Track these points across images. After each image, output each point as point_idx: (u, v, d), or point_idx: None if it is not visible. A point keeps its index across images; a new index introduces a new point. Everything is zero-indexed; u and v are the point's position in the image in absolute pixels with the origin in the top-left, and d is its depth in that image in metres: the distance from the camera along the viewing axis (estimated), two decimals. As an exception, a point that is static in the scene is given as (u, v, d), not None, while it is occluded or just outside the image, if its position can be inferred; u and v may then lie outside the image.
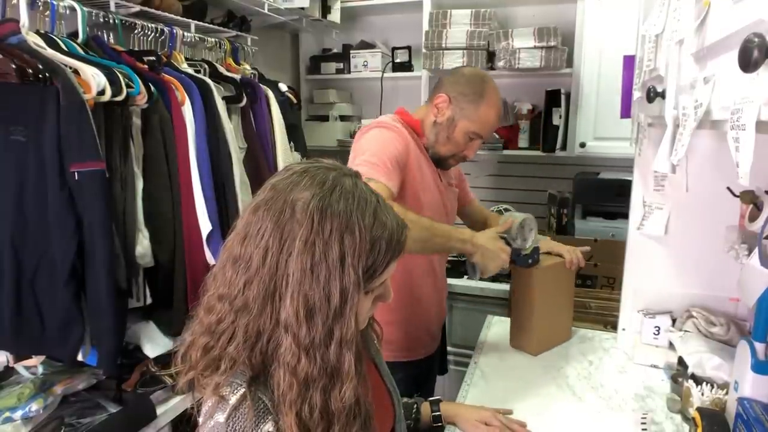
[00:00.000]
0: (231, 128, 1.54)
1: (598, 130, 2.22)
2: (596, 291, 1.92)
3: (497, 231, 1.29)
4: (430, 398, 1.15)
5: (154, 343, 1.35)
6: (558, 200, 2.37)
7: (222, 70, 1.73)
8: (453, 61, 2.29)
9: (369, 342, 0.91)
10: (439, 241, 1.22)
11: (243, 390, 0.65)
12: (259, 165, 1.68)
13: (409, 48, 2.56)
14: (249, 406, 0.64)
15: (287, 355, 0.64)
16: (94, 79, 1.14)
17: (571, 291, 1.51)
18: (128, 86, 1.23)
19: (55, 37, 1.24)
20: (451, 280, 1.91)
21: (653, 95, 0.92)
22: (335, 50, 2.78)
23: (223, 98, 1.58)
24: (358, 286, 0.64)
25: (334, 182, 0.67)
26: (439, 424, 1.12)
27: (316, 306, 0.63)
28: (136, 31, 1.54)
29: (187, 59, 1.67)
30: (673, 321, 1.39)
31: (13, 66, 1.07)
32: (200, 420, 0.69)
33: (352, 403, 0.65)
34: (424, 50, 2.36)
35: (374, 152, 1.22)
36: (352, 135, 2.72)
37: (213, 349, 0.68)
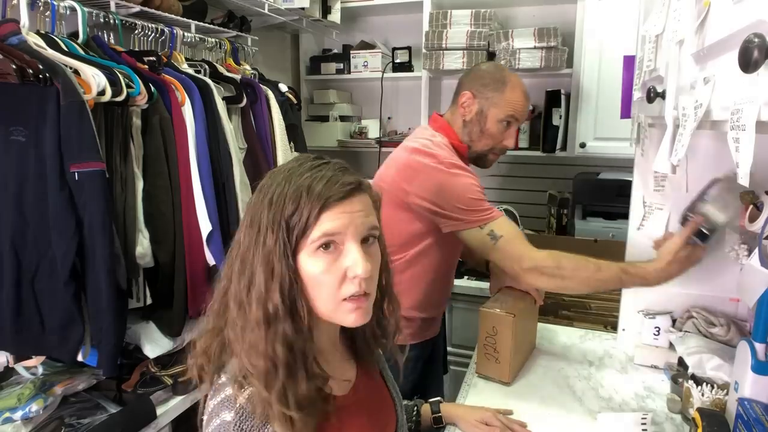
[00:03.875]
0: (231, 128, 1.54)
1: (598, 131, 2.22)
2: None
3: (684, 238, 1.15)
4: (431, 399, 1.16)
5: (154, 344, 1.35)
6: (558, 200, 2.37)
7: (222, 70, 1.73)
8: (453, 61, 2.29)
9: (376, 354, 0.89)
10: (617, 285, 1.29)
11: (251, 389, 0.66)
12: (259, 165, 1.68)
13: (409, 48, 2.56)
14: (258, 406, 0.65)
15: (233, 309, 0.70)
16: (94, 80, 1.14)
17: (534, 314, 1.47)
18: (128, 86, 1.23)
19: (55, 38, 1.24)
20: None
21: (653, 95, 0.92)
22: (335, 50, 2.78)
23: (224, 98, 1.58)
24: (275, 233, 0.67)
25: (300, 156, 0.76)
26: (440, 425, 1.12)
27: (248, 257, 0.69)
28: (136, 32, 1.54)
29: (187, 59, 1.67)
30: (673, 321, 1.39)
31: (14, 66, 1.07)
32: (204, 418, 0.69)
33: (269, 355, 0.67)
34: (424, 50, 2.36)
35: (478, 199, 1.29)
36: (352, 135, 2.73)
37: (214, 329, 0.73)
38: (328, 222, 0.67)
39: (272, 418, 0.65)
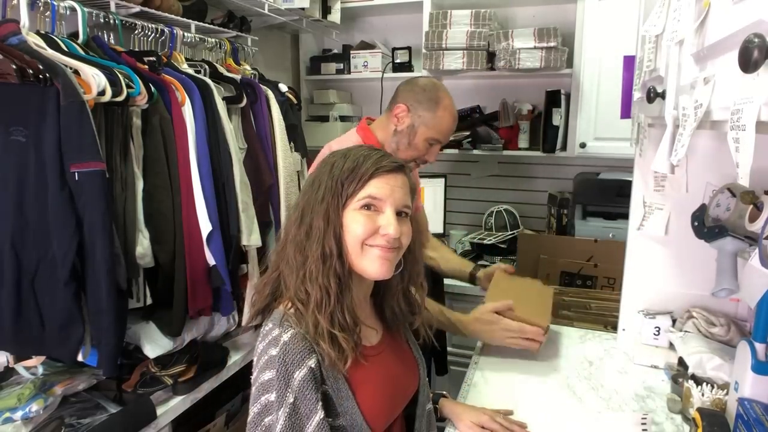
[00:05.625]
0: (231, 128, 1.54)
1: (598, 131, 2.22)
2: (596, 291, 1.92)
3: (493, 307, 1.37)
4: (435, 391, 1.15)
5: (154, 344, 1.35)
6: (558, 201, 2.37)
7: (222, 70, 1.72)
8: (453, 61, 2.29)
9: (401, 322, 1.01)
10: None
11: (293, 330, 0.81)
12: (259, 165, 1.68)
13: (409, 48, 2.57)
14: (298, 343, 0.79)
15: (291, 255, 0.86)
16: (94, 80, 1.14)
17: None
18: (128, 87, 1.23)
19: (55, 38, 1.24)
20: (451, 281, 1.91)
21: (653, 96, 0.92)
22: (335, 51, 2.78)
23: (224, 98, 1.58)
24: (332, 191, 0.84)
25: (353, 146, 0.92)
26: (436, 417, 1.12)
27: (309, 211, 0.85)
28: (136, 32, 1.54)
29: (187, 59, 1.67)
30: (674, 321, 1.39)
31: (14, 66, 1.07)
32: (254, 359, 0.83)
33: (323, 284, 0.83)
34: (424, 51, 2.36)
35: None
36: (352, 135, 2.73)
37: (271, 273, 0.91)
38: (374, 187, 0.84)
39: (319, 337, 0.80)
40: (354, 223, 0.84)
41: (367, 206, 0.85)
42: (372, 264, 0.85)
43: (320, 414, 0.78)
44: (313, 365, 0.79)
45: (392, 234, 0.83)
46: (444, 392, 1.17)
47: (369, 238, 0.85)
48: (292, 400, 0.77)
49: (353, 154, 0.87)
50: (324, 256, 0.83)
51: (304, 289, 0.83)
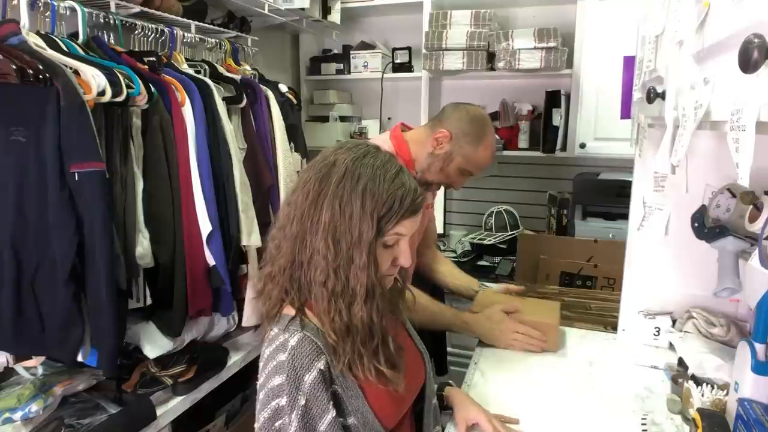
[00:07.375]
0: (231, 129, 1.54)
1: (598, 131, 2.22)
2: (596, 291, 1.92)
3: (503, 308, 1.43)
4: (441, 381, 1.16)
5: (154, 344, 1.35)
6: (558, 201, 2.37)
7: (222, 70, 1.72)
8: (453, 62, 2.29)
9: (400, 308, 1.01)
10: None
11: (300, 334, 0.80)
12: (259, 165, 1.68)
13: (409, 49, 2.57)
14: (306, 346, 0.79)
15: (320, 275, 0.80)
16: (94, 80, 1.14)
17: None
18: (128, 87, 1.23)
19: (55, 38, 1.24)
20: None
21: (653, 96, 0.92)
22: (335, 51, 2.78)
23: (224, 99, 1.58)
24: (372, 227, 0.79)
25: (368, 149, 0.85)
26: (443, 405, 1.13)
27: (343, 236, 0.79)
28: (136, 32, 1.54)
29: (187, 60, 1.67)
30: (674, 322, 1.39)
31: (14, 66, 1.07)
32: (261, 365, 0.83)
33: (366, 322, 0.81)
34: (424, 51, 2.36)
35: None
36: (352, 136, 2.73)
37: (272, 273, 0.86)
38: (403, 227, 0.84)
39: (363, 370, 0.81)
40: (381, 258, 0.84)
41: (393, 243, 0.85)
42: (388, 286, 0.90)
43: (332, 413, 0.79)
44: (322, 367, 0.79)
45: (406, 265, 0.86)
46: (449, 381, 1.17)
47: (386, 269, 0.86)
48: (303, 402, 0.77)
49: (386, 181, 0.81)
50: (368, 293, 0.81)
51: (344, 327, 0.82)
